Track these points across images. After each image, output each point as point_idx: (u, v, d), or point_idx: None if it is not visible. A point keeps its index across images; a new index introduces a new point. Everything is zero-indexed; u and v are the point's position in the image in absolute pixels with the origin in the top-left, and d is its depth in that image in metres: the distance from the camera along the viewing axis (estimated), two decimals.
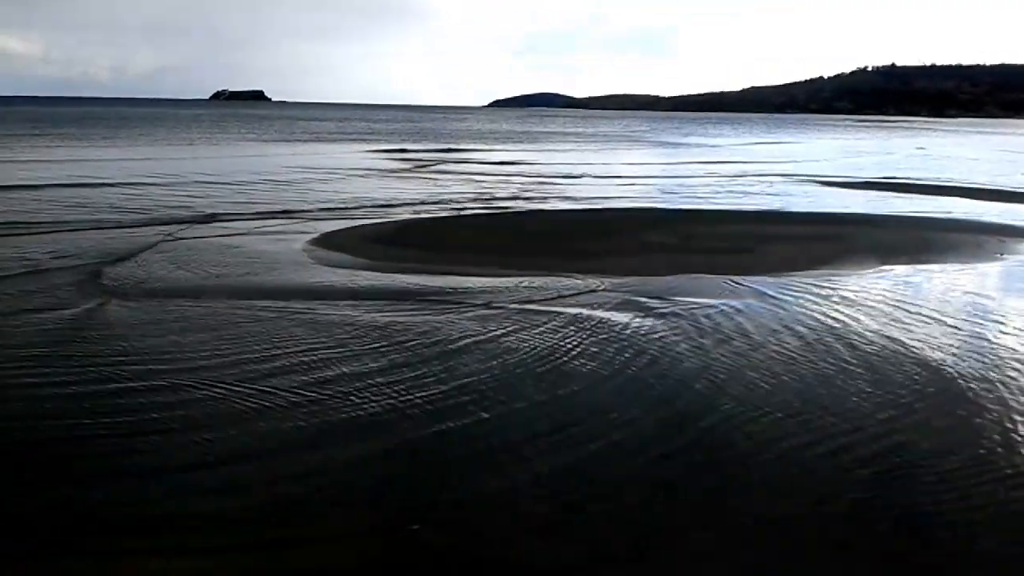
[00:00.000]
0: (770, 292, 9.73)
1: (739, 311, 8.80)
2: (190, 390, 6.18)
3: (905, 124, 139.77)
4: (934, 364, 7.05)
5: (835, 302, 9.23)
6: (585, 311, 8.69)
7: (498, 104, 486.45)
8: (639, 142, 59.03)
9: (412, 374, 6.61)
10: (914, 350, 7.43)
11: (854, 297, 9.52)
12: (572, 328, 8.04)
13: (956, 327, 8.32)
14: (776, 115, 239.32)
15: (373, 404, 5.98)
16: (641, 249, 13.05)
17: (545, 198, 19.98)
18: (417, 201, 18.62)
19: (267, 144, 45.04)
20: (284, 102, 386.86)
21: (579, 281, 10.21)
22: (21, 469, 5.00)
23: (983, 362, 7.15)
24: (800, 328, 8.11)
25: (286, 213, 16.17)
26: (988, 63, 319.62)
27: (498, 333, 7.81)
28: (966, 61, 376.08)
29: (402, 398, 6.09)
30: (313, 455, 5.18)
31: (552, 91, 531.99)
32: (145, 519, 4.40)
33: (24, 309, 8.52)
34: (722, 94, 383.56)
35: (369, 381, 6.44)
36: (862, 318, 8.53)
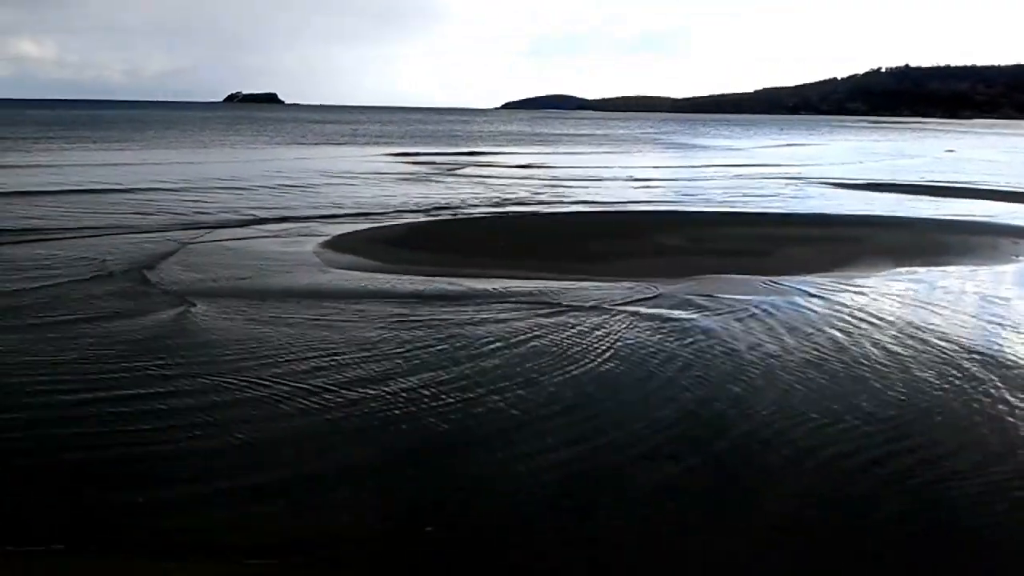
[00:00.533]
0: (811, 291, 9.86)
1: (810, 308, 9.13)
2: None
3: (919, 126, 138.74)
4: (986, 370, 6.90)
5: (885, 302, 9.10)
6: (676, 312, 8.90)
7: (510, 106, 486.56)
8: (653, 144, 58.75)
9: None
10: (959, 354, 7.28)
11: (903, 299, 9.38)
12: (677, 330, 8.14)
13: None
14: (790, 116, 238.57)
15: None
16: (664, 251, 13.03)
17: (563, 200, 19.85)
18: (455, 203, 18.51)
19: (282, 147, 45.07)
20: (297, 104, 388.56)
21: (637, 285, 10.15)
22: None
23: None
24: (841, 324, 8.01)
25: (322, 218, 16.02)
26: (1003, 64, 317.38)
27: (620, 334, 7.96)
28: (981, 62, 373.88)
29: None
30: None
31: (564, 93, 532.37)
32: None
33: (113, 314, 8.54)
34: (735, 95, 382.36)
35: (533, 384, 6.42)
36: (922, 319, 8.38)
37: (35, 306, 8.77)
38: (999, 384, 6.60)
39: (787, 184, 25.41)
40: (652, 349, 7.50)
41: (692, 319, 8.58)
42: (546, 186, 23.58)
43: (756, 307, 9.11)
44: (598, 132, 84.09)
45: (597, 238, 14.34)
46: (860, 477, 5.02)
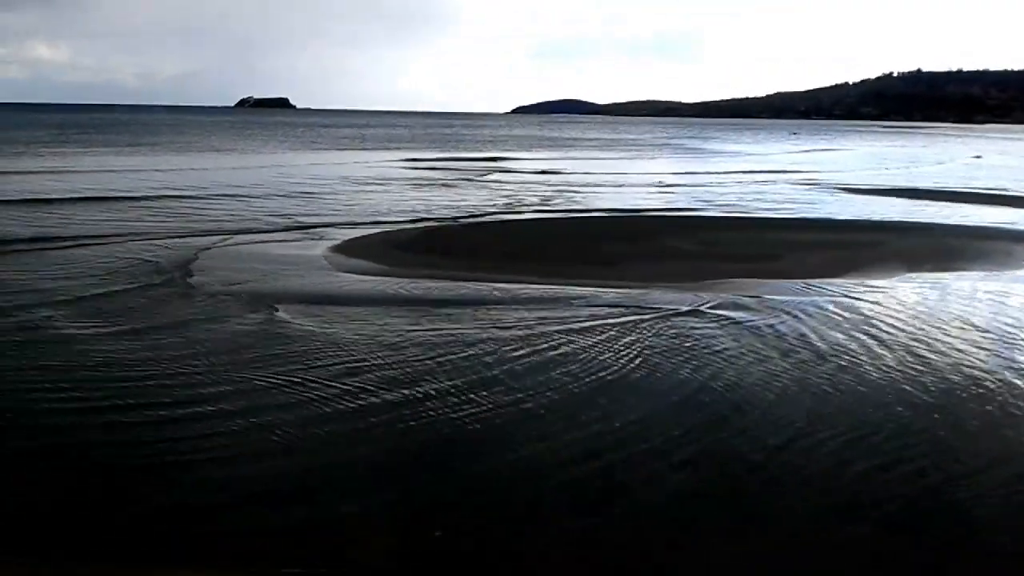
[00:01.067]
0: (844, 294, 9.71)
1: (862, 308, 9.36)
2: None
3: (933, 130, 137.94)
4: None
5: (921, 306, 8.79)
6: (737, 314, 8.99)
7: (521, 110, 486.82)
8: (665, 148, 58.44)
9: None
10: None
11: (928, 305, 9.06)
12: (751, 335, 8.12)
13: None
14: (802, 121, 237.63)
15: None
16: (687, 255, 12.85)
17: (581, 205, 19.58)
18: (471, 208, 18.24)
19: (291, 153, 44.96)
20: (309, 108, 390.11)
21: (684, 294, 9.90)
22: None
23: None
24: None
25: (338, 225, 15.78)
26: (1016, 68, 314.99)
27: (710, 340, 7.97)
28: (993, 66, 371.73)
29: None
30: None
31: (575, 97, 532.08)
32: None
33: (203, 318, 8.50)
34: (747, 100, 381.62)
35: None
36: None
37: (113, 312, 8.67)
38: None
39: (833, 192, 25.02)
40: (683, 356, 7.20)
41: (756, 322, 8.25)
42: (556, 191, 23.28)
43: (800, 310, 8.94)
44: (611, 136, 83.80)
45: (621, 243, 14.07)
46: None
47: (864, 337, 8.08)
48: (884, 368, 7.12)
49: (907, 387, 6.63)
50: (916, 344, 7.89)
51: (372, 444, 5.47)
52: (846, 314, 9.00)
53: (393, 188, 23.55)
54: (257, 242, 13.47)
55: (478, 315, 8.81)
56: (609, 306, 9.28)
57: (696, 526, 4.51)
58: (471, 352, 7.40)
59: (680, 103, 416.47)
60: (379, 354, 7.28)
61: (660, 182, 27.55)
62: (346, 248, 12.90)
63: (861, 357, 7.43)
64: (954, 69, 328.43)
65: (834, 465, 5.21)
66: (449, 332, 8.07)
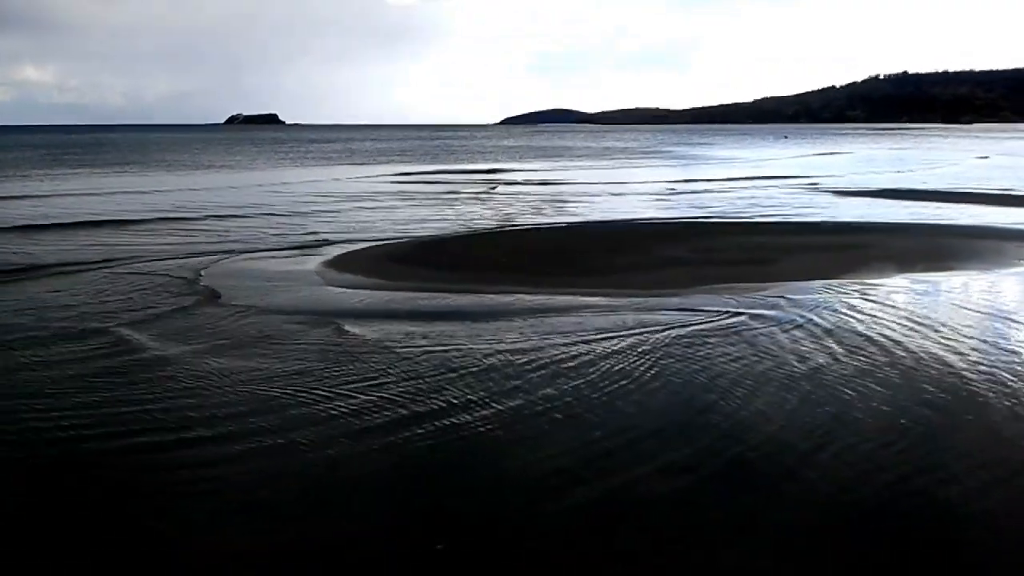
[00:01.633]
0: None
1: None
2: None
3: (922, 131, 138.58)
4: None
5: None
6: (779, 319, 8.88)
7: (511, 121, 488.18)
8: (656, 156, 58.33)
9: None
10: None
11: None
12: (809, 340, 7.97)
13: None
14: (791, 125, 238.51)
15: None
16: (689, 263, 12.67)
17: (576, 214, 19.30)
18: (465, 221, 17.94)
19: (279, 170, 44.69)
20: (298, 124, 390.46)
21: (720, 303, 9.63)
22: None
23: None
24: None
25: (342, 242, 15.44)
26: (1001, 68, 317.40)
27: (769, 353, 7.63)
28: (979, 66, 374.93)
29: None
30: None
31: (564, 107, 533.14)
32: None
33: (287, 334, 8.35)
34: (735, 105, 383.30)
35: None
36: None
37: (166, 334, 8.39)
38: None
39: (871, 204, 24.82)
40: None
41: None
42: (546, 201, 23.01)
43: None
44: (600, 145, 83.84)
45: (621, 252, 13.79)
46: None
47: (881, 339, 7.94)
48: (901, 368, 7.06)
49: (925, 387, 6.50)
50: (931, 344, 7.72)
51: (373, 456, 5.35)
52: (858, 315, 8.87)
53: (383, 202, 23.23)
54: (256, 258, 13.11)
55: (476, 327, 8.58)
56: (613, 313, 9.10)
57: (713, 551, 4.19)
58: (474, 363, 7.21)
59: (669, 110, 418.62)
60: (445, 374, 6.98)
61: (659, 190, 27.34)
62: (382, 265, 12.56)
63: (877, 358, 7.33)
64: (940, 70, 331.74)
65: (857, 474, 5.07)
66: (451, 343, 7.82)
